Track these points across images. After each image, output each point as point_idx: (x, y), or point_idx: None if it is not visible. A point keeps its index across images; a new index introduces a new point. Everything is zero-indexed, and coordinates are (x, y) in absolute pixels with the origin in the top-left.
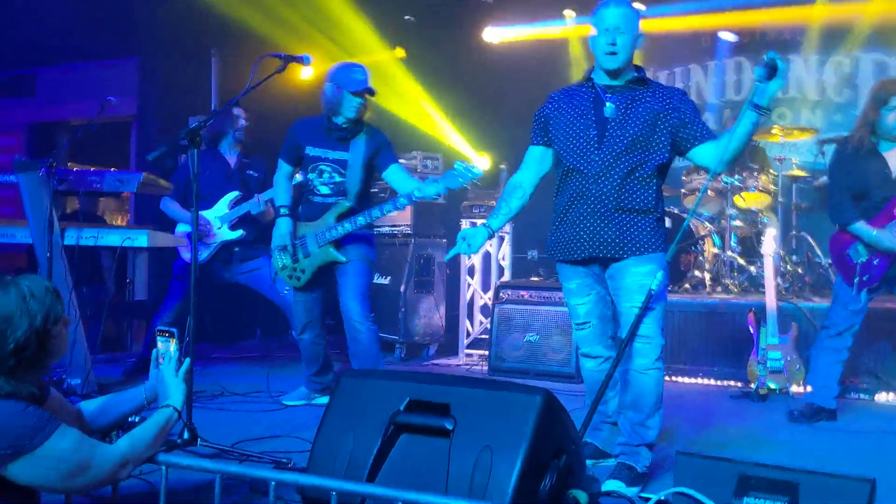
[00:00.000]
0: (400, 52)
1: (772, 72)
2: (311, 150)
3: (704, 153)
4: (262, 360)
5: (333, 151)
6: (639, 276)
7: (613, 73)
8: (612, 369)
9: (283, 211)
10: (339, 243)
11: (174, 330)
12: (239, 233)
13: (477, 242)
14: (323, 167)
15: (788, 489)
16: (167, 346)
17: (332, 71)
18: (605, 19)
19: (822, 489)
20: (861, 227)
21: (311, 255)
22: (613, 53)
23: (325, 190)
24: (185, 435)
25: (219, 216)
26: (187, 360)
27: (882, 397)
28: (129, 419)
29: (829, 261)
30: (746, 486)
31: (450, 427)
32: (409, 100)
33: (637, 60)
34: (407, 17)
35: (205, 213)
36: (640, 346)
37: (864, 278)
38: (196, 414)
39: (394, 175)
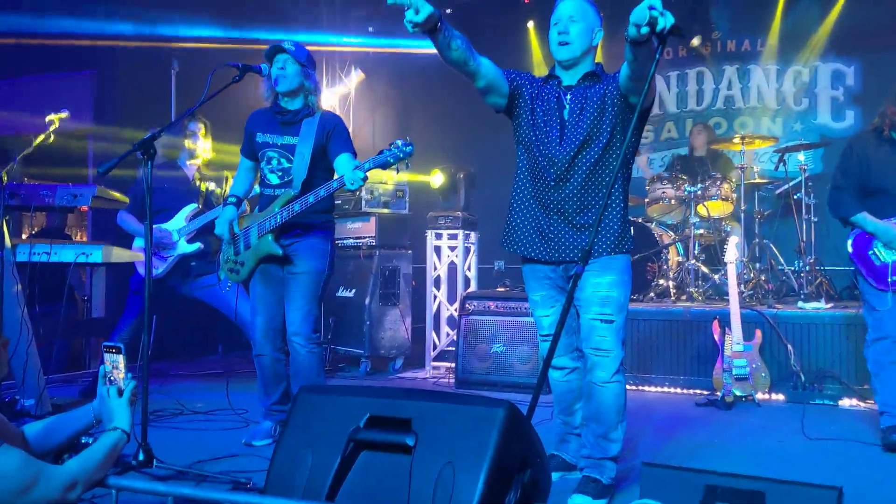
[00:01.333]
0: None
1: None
2: (259, 137)
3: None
4: (224, 377)
5: (281, 137)
6: (599, 288)
7: (567, 66)
8: (536, 394)
9: (230, 200)
10: (290, 247)
11: (120, 345)
12: (196, 245)
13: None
14: (270, 153)
15: (755, 498)
16: (114, 362)
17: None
18: (559, 10)
19: (789, 498)
20: (863, 217)
21: (252, 247)
22: (565, 43)
23: (274, 179)
24: (141, 456)
25: (177, 229)
26: (132, 382)
27: (846, 403)
28: (82, 440)
29: (791, 268)
30: (713, 496)
31: (411, 443)
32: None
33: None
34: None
35: (163, 226)
36: (599, 360)
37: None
38: (154, 434)
39: (340, 164)
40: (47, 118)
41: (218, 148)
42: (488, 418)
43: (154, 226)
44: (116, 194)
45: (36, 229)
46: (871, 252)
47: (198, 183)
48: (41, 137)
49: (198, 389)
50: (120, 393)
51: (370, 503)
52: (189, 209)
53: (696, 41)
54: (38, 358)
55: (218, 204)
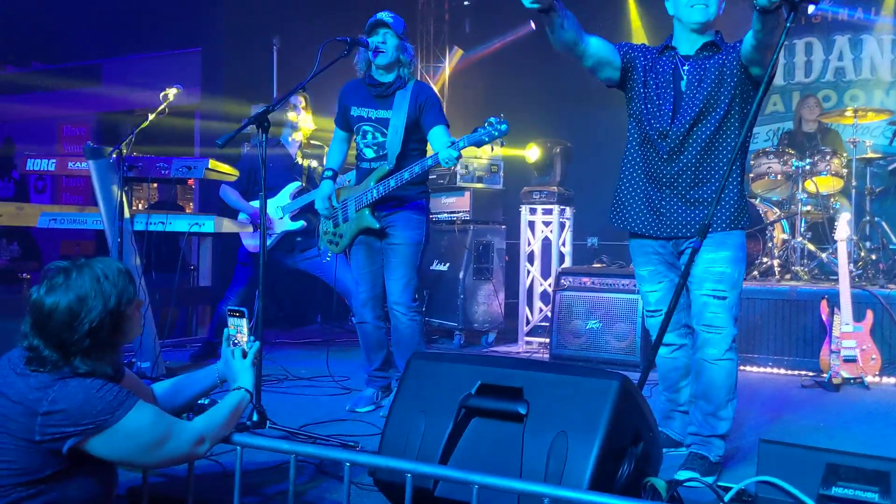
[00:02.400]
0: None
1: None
2: (354, 111)
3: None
4: (324, 345)
5: (375, 110)
6: (714, 264)
7: (701, 29)
8: (645, 369)
9: (327, 174)
10: (386, 219)
11: (244, 310)
12: (300, 223)
13: None
14: (366, 128)
15: (879, 479)
16: (238, 326)
17: None
18: None
19: None
20: None
21: (349, 220)
22: (704, 5)
23: (370, 153)
24: (255, 417)
25: (280, 206)
26: (256, 344)
27: None
28: (199, 402)
29: None
30: (835, 475)
31: (523, 412)
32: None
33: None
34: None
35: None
36: (710, 337)
37: None
38: (263, 398)
39: (434, 138)
40: (162, 94)
41: (319, 123)
42: (602, 390)
43: (255, 204)
44: (227, 167)
45: (142, 203)
46: None
47: (300, 160)
48: (157, 111)
49: (300, 357)
50: (244, 355)
51: (483, 469)
52: (293, 187)
53: (811, 8)
54: (154, 323)
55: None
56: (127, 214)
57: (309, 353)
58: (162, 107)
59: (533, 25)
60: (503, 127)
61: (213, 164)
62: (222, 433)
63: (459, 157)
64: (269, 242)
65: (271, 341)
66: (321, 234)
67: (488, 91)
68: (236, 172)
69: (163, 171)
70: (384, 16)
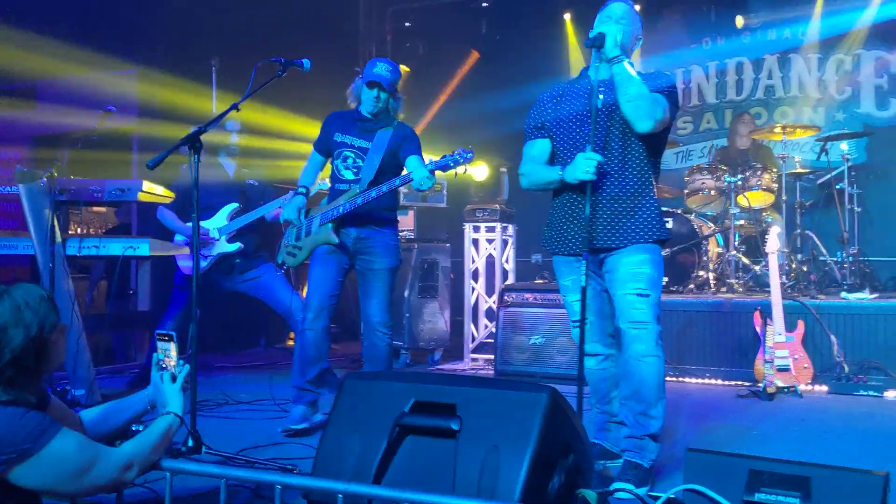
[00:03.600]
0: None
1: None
2: (338, 136)
3: None
4: (267, 369)
5: (358, 139)
6: (632, 265)
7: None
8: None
9: (300, 190)
10: (366, 242)
11: (173, 333)
12: (237, 245)
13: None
14: (347, 153)
15: (801, 484)
16: (167, 349)
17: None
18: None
19: (835, 483)
20: None
21: (311, 234)
22: (613, 41)
23: (349, 175)
24: (190, 443)
25: (217, 227)
26: (186, 367)
27: (891, 394)
28: (132, 427)
29: (833, 258)
30: (758, 481)
31: (456, 427)
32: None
33: (636, 58)
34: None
35: (203, 224)
36: (636, 333)
37: None
38: (200, 422)
39: (410, 163)
40: (97, 115)
41: (256, 142)
42: (532, 403)
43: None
44: (163, 189)
45: (92, 228)
46: None
47: (237, 180)
48: (88, 132)
49: (241, 381)
50: (173, 379)
51: (416, 486)
52: (230, 208)
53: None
54: (88, 349)
55: (258, 196)
56: (59, 239)
57: (251, 377)
58: (93, 129)
59: (475, 52)
60: (469, 155)
61: (147, 186)
62: (151, 458)
63: (432, 179)
64: (205, 264)
65: (212, 365)
66: (282, 245)
67: (436, 110)
68: (172, 195)
69: (96, 195)
70: (381, 75)
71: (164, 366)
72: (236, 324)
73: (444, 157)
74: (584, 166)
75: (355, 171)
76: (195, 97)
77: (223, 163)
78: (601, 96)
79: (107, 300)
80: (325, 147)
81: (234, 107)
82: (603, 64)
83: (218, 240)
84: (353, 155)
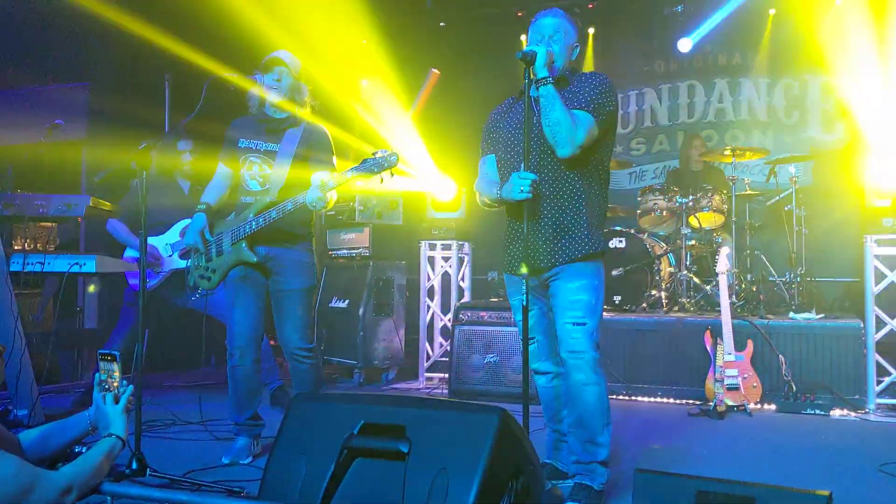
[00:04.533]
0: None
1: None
2: (242, 143)
3: None
4: (217, 388)
5: (264, 143)
6: (570, 292)
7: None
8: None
9: (200, 207)
10: (276, 260)
11: (116, 353)
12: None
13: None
14: (253, 158)
15: (745, 503)
16: (109, 370)
17: None
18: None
19: (779, 503)
20: None
21: (224, 254)
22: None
23: (255, 186)
24: (134, 465)
25: (170, 243)
26: (129, 388)
27: (837, 413)
28: (75, 449)
29: (782, 279)
30: (704, 501)
31: (404, 450)
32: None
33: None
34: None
35: (155, 241)
36: (575, 363)
37: None
38: (147, 444)
39: (313, 180)
40: (45, 128)
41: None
42: (482, 425)
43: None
44: (109, 204)
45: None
46: None
47: (192, 197)
48: (34, 146)
49: (191, 401)
50: (116, 400)
51: None
52: (183, 224)
53: (683, 45)
54: (31, 368)
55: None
56: (2, 254)
57: (202, 396)
58: (39, 142)
59: (435, 70)
60: (393, 158)
61: (94, 201)
62: (91, 482)
63: (329, 198)
64: (156, 281)
65: (161, 384)
66: (192, 269)
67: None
68: (120, 209)
69: (41, 209)
70: (281, 53)
71: (106, 386)
72: (187, 342)
73: (364, 161)
74: (518, 185)
75: (261, 179)
76: (148, 111)
77: (180, 182)
78: (535, 113)
79: (53, 317)
80: (231, 156)
81: (184, 122)
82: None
83: (170, 256)
84: (258, 161)
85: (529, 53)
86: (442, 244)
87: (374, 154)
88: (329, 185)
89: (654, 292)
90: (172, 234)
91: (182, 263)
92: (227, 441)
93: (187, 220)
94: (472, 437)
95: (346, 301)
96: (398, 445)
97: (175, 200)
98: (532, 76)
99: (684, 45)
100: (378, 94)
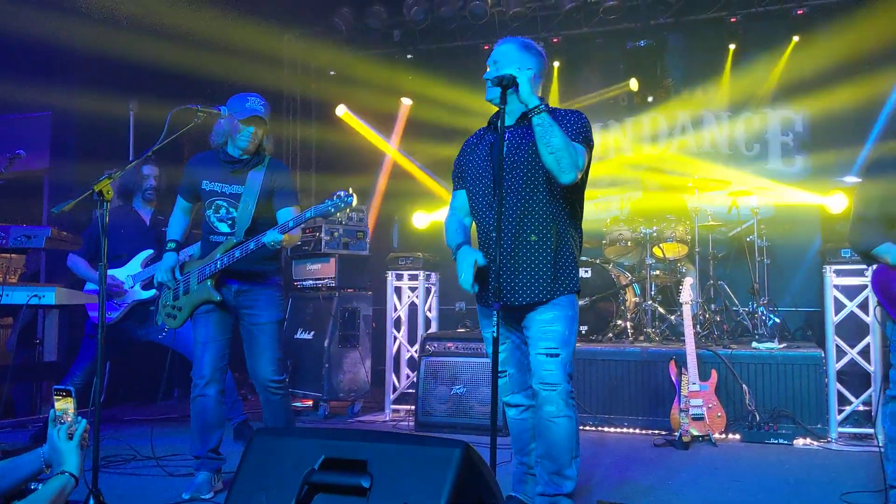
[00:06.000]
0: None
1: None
2: (206, 185)
3: None
4: (180, 422)
5: (229, 185)
6: (544, 323)
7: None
8: (493, 431)
9: (170, 245)
10: (247, 295)
11: (71, 388)
12: (152, 292)
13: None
14: (219, 202)
15: None
16: (65, 407)
17: (228, 102)
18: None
19: None
20: (889, 247)
21: (190, 293)
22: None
23: (224, 227)
24: (91, 502)
25: (131, 275)
26: (83, 423)
27: (800, 442)
28: (30, 486)
29: (745, 308)
30: None
31: (366, 485)
32: None
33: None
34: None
35: (117, 272)
36: (547, 395)
37: None
38: (105, 480)
39: (280, 218)
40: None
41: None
42: (444, 459)
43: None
44: (69, 236)
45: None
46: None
47: (154, 227)
48: None
49: (153, 435)
50: (70, 436)
51: None
52: (145, 255)
53: (633, 86)
54: None
55: None
56: None
57: (163, 431)
58: (3, 173)
59: (407, 100)
60: (349, 199)
61: (54, 232)
62: None
63: (289, 238)
64: (118, 313)
65: (121, 418)
66: (160, 306)
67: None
68: (80, 241)
69: (0, 241)
70: (259, 108)
71: (61, 422)
72: (149, 375)
73: (324, 201)
74: (461, 273)
75: (230, 221)
76: (111, 140)
77: (138, 209)
78: (504, 147)
79: (12, 349)
80: (192, 193)
81: (147, 153)
82: (511, 108)
83: (132, 287)
84: (225, 204)
85: (507, 77)
86: (409, 274)
87: (333, 195)
88: (288, 226)
89: (619, 322)
90: (134, 266)
91: (144, 295)
92: (188, 477)
93: (149, 251)
94: (434, 471)
95: (312, 332)
96: (359, 481)
97: (136, 231)
98: (504, 103)
99: (633, 84)
100: (349, 124)
